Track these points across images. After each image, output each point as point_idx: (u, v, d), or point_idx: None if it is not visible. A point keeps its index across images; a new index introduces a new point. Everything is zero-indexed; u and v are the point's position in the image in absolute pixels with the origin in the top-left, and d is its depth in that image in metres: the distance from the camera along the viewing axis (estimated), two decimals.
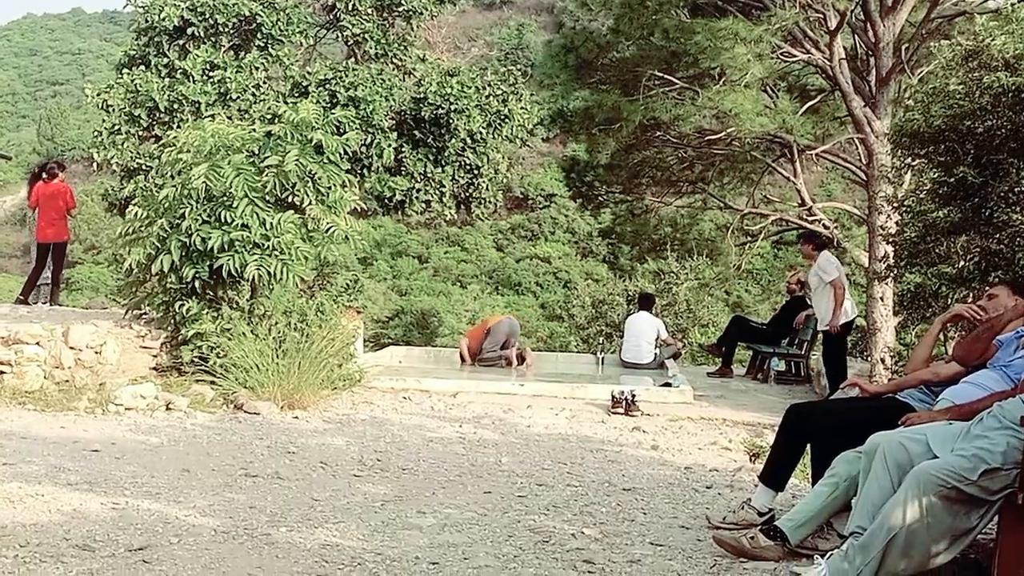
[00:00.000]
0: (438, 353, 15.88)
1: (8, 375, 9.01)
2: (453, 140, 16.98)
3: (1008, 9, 9.49)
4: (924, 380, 5.07)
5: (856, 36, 18.70)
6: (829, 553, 4.08)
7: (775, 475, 5.18)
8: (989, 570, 4.01)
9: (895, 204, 10.35)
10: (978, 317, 5.06)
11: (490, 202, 18.52)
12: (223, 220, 9.51)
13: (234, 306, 9.85)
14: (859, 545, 3.93)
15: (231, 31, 16.60)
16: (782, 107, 18.32)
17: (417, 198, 17.16)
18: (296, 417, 8.84)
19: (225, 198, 9.59)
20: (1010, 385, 4.51)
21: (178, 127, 12.69)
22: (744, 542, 4.69)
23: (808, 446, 5.12)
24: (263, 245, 9.56)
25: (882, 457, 4.14)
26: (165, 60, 16.45)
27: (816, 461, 4.98)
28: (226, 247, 9.46)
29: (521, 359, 13.96)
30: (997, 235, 8.34)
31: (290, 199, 9.91)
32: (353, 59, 17.84)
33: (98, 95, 16.40)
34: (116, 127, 16.10)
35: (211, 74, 16.05)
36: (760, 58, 16.55)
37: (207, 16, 16.26)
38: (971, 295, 8.57)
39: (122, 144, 16.06)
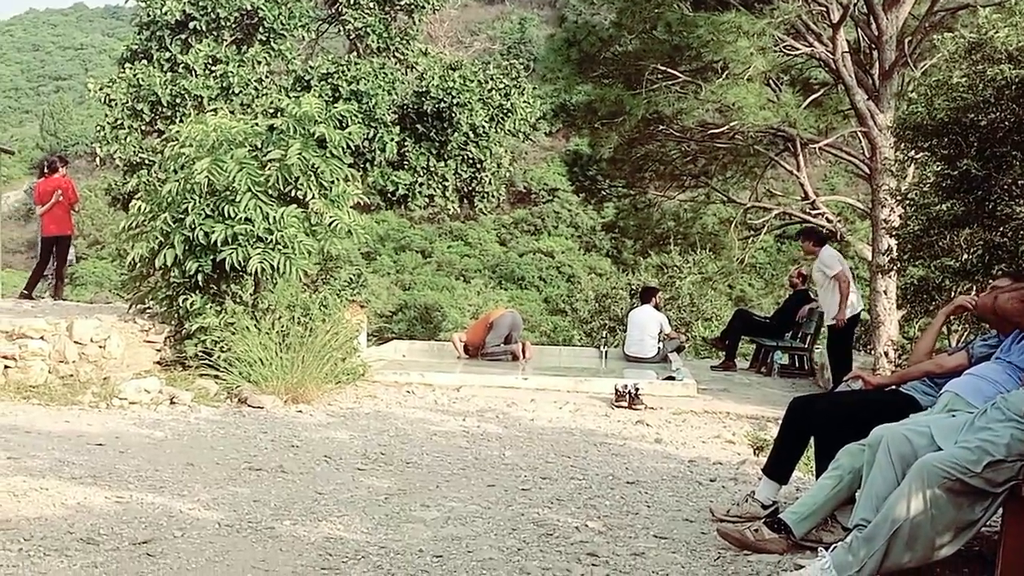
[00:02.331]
0: (441, 347, 15.88)
1: (12, 369, 9.02)
2: (456, 134, 16.96)
3: (1012, 1, 9.46)
4: (928, 372, 5.07)
5: (859, 29, 18.65)
6: (833, 545, 4.08)
7: (779, 468, 5.18)
8: (993, 562, 4.01)
9: (898, 197, 10.31)
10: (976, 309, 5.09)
11: (493, 196, 18.48)
12: (226, 214, 9.53)
13: (237, 300, 9.87)
14: (863, 537, 3.93)
15: (233, 25, 16.56)
16: (785, 101, 18.28)
17: (420, 192, 17.13)
18: (300, 411, 8.85)
19: (228, 192, 9.60)
20: (1014, 378, 4.50)
21: (180, 121, 12.67)
22: (748, 535, 4.69)
23: (812, 439, 5.12)
24: (266, 239, 9.57)
25: (886, 449, 4.14)
26: (167, 54, 16.42)
27: (820, 454, 4.98)
28: (229, 241, 9.47)
29: (522, 352, 13.98)
30: (1000, 228, 8.31)
31: (293, 193, 9.92)
32: (355, 53, 17.81)
33: (100, 90, 16.38)
34: (119, 122, 16.09)
35: (213, 68, 16.03)
36: (763, 52, 16.53)
37: (209, 10, 16.23)
38: (974, 288, 8.55)
39: (125, 139, 16.05)
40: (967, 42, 8.73)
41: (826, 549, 4.07)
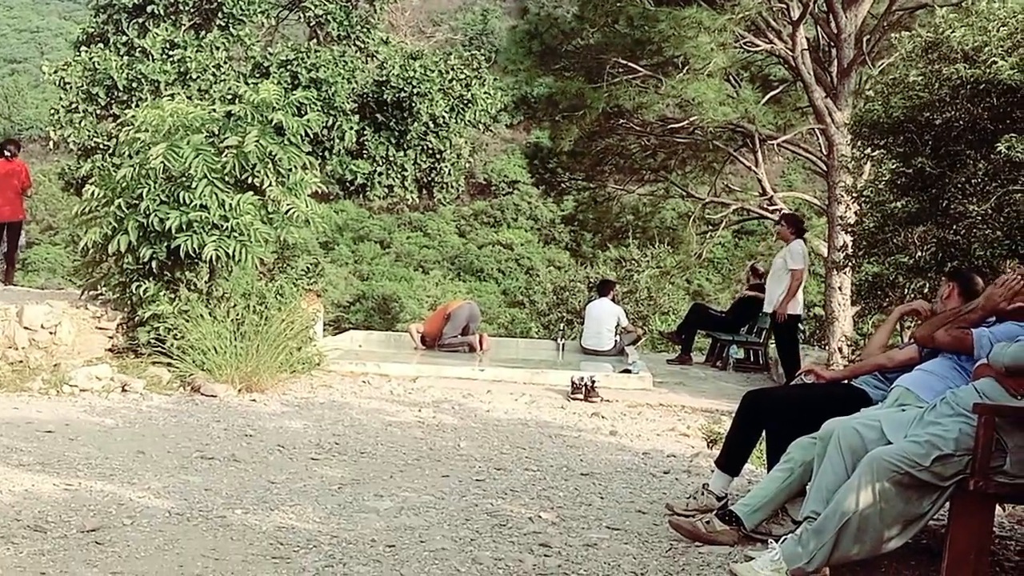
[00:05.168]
0: (398, 338, 15.83)
1: None
2: (415, 124, 16.87)
3: (968, 2, 9.56)
4: (879, 366, 5.13)
5: (818, 27, 18.81)
6: (783, 537, 4.12)
7: (731, 460, 5.21)
8: (940, 555, 4.06)
9: (854, 194, 10.41)
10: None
11: (452, 187, 18.41)
12: (181, 200, 9.42)
13: (192, 288, 9.76)
14: (813, 530, 3.96)
15: (192, 10, 16.38)
16: (744, 97, 18.39)
17: (379, 182, 17.02)
18: (254, 400, 8.78)
19: (184, 178, 9.50)
20: (963, 374, 4.56)
21: (137, 106, 12.52)
22: (699, 526, 4.73)
23: (764, 432, 5.15)
24: (222, 226, 9.48)
25: (836, 443, 4.18)
26: (124, 38, 16.20)
27: (771, 447, 5.02)
28: (184, 228, 9.36)
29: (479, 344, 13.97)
30: (954, 226, 8.41)
31: (250, 180, 9.83)
32: (315, 40, 17.69)
33: (55, 72, 16.14)
34: (73, 105, 15.86)
35: (171, 53, 15.83)
36: (723, 47, 16.60)
37: None
38: (927, 285, 8.66)
39: (79, 123, 15.82)
40: (924, 41, 8.82)
41: (776, 541, 4.10)
